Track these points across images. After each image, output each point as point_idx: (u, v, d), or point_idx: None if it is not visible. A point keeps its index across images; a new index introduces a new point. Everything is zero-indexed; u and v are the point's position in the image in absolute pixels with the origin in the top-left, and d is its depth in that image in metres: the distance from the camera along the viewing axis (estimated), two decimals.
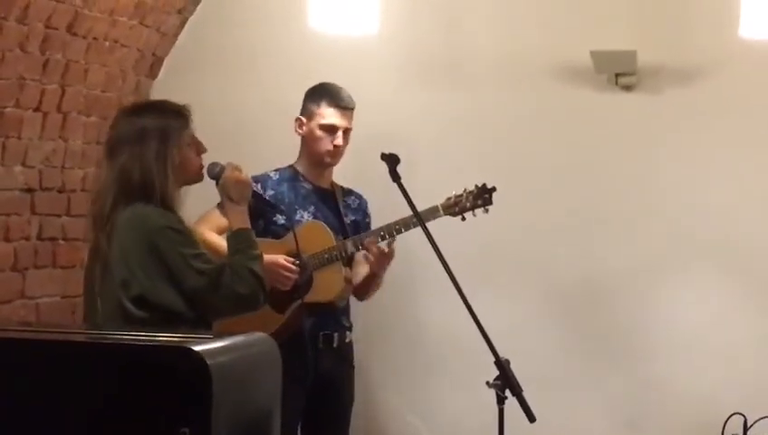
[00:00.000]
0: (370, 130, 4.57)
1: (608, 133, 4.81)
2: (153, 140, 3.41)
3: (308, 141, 4.32)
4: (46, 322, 4.46)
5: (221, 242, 4.07)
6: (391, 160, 3.82)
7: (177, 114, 3.52)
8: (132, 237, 3.35)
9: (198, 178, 3.57)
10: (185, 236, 3.40)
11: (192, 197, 3.61)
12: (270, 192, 4.28)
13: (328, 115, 4.27)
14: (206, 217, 4.16)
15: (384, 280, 4.37)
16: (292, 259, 4.08)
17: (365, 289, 4.35)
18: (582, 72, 4.75)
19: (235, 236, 3.52)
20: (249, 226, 3.56)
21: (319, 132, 4.28)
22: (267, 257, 4.02)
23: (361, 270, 4.31)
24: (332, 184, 4.40)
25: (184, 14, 4.97)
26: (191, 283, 3.35)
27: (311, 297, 4.16)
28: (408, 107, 4.90)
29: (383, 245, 4.14)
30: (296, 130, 4.34)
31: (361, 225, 4.38)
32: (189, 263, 3.35)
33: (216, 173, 3.58)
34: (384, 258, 4.16)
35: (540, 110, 4.85)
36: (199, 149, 3.55)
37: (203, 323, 3.44)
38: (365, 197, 4.45)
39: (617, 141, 4.80)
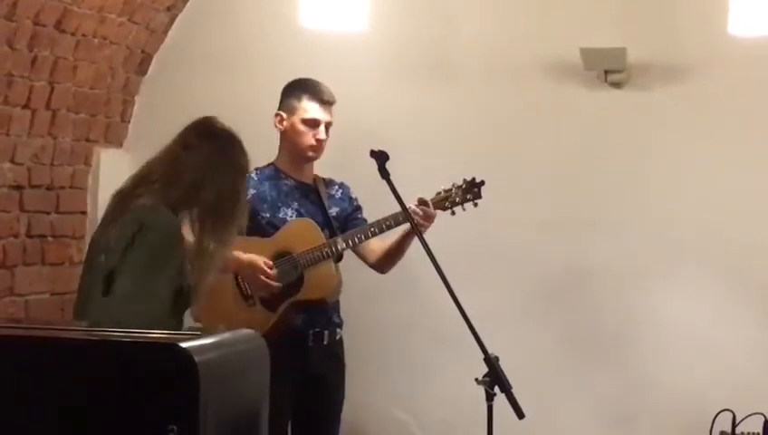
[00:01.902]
0: (359, 126, 4.57)
1: (597, 130, 4.82)
2: (235, 173, 3.42)
3: (289, 136, 4.31)
4: (35, 319, 4.45)
5: None
6: (380, 157, 3.83)
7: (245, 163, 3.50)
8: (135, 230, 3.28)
9: None
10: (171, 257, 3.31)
11: None
12: (252, 191, 4.27)
13: (310, 109, 4.27)
14: None
15: (374, 277, 4.37)
16: (269, 262, 4.09)
17: (396, 255, 4.29)
18: (572, 69, 4.75)
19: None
20: None
21: (301, 127, 4.27)
22: (245, 257, 4.06)
23: (378, 246, 4.29)
24: (315, 178, 4.39)
25: (173, 11, 4.97)
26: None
27: (302, 295, 4.17)
28: (397, 104, 4.90)
29: (424, 207, 4.11)
30: (276, 126, 4.33)
31: (348, 210, 4.38)
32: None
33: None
34: (428, 220, 4.12)
35: (529, 106, 4.85)
36: None
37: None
38: (347, 183, 4.44)
39: (606, 138, 4.81)
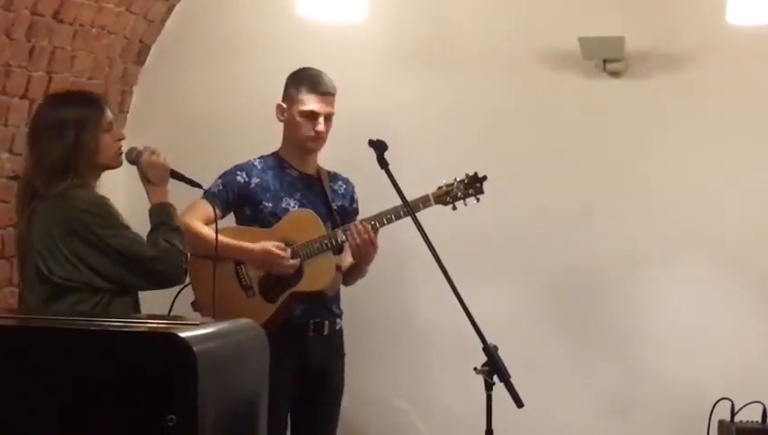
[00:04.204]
0: (358, 116, 4.57)
1: (596, 119, 4.82)
2: (70, 130, 3.55)
3: (289, 128, 4.31)
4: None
5: (209, 233, 4.09)
6: (379, 147, 3.82)
7: (92, 104, 3.65)
8: (52, 225, 3.49)
9: (117, 164, 3.71)
10: (100, 216, 3.50)
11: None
12: (255, 180, 4.27)
13: (308, 102, 4.25)
14: (193, 207, 4.16)
15: (373, 267, 4.36)
16: (280, 244, 4.10)
17: (348, 278, 4.35)
18: (570, 59, 4.75)
19: (153, 212, 3.64)
20: (167, 201, 3.69)
21: (299, 119, 4.26)
22: (256, 246, 4.07)
23: (348, 257, 4.31)
24: (318, 169, 4.38)
25: (171, 0, 4.96)
26: (109, 260, 3.49)
27: (301, 287, 4.16)
28: (396, 94, 4.90)
29: (367, 226, 4.12)
30: (278, 117, 4.33)
31: (348, 210, 4.37)
32: (107, 243, 3.49)
33: (134, 158, 3.73)
34: (366, 244, 4.14)
35: (527, 96, 4.85)
36: (116, 135, 3.69)
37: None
38: (352, 181, 4.45)
39: (605, 127, 4.81)
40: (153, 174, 3.68)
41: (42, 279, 3.50)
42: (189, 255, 3.74)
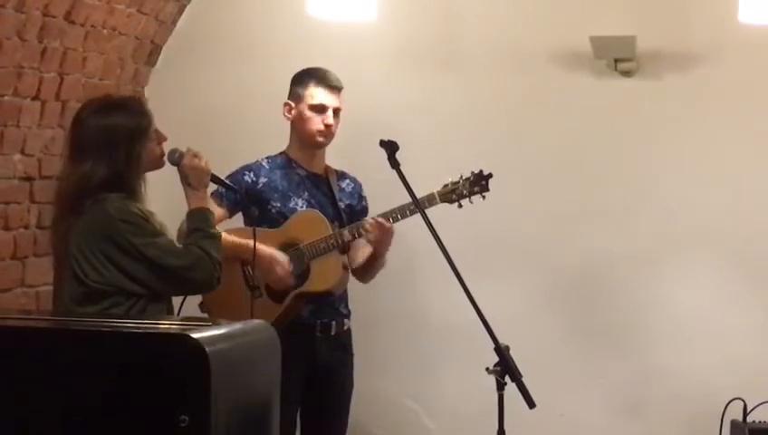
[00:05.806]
0: (368, 116, 4.57)
1: (607, 119, 4.81)
2: (123, 142, 3.49)
3: (298, 124, 4.31)
4: (46, 310, 4.46)
5: (227, 237, 4.09)
6: (390, 147, 3.82)
7: (142, 112, 3.58)
8: (88, 231, 3.45)
9: (160, 165, 3.66)
10: (134, 225, 3.46)
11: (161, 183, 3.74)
12: (263, 180, 4.27)
13: (317, 95, 4.26)
14: None
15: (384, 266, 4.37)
16: (288, 259, 4.11)
17: (369, 270, 4.33)
18: (581, 58, 4.74)
19: (191, 216, 3.61)
20: (206, 205, 3.65)
21: (309, 113, 4.26)
22: (265, 253, 4.07)
23: (361, 253, 4.31)
24: (326, 169, 4.38)
25: (182, 1, 4.96)
26: (142, 267, 3.45)
27: (308, 287, 4.16)
28: (406, 93, 4.90)
29: (381, 220, 4.12)
30: (285, 116, 4.33)
31: (356, 209, 4.37)
32: (141, 252, 3.44)
33: (176, 159, 3.67)
34: (384, 234, 4.13)
35: (538, 95, 4.85)
36: (160, 138, 3.63)
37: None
38: (359, 180, 4.44)
39: (616, 127, 4.80)
40: (194, 177, 3.63)
41: (77, 282, 3.47)
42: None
